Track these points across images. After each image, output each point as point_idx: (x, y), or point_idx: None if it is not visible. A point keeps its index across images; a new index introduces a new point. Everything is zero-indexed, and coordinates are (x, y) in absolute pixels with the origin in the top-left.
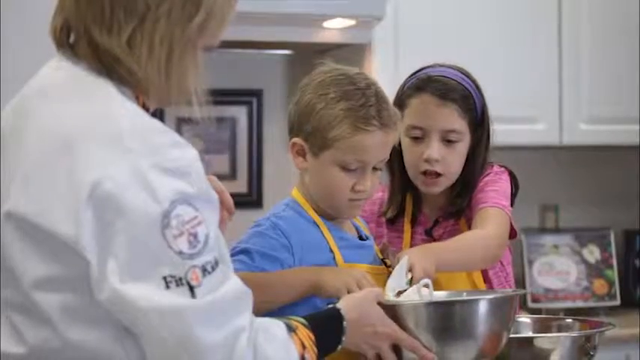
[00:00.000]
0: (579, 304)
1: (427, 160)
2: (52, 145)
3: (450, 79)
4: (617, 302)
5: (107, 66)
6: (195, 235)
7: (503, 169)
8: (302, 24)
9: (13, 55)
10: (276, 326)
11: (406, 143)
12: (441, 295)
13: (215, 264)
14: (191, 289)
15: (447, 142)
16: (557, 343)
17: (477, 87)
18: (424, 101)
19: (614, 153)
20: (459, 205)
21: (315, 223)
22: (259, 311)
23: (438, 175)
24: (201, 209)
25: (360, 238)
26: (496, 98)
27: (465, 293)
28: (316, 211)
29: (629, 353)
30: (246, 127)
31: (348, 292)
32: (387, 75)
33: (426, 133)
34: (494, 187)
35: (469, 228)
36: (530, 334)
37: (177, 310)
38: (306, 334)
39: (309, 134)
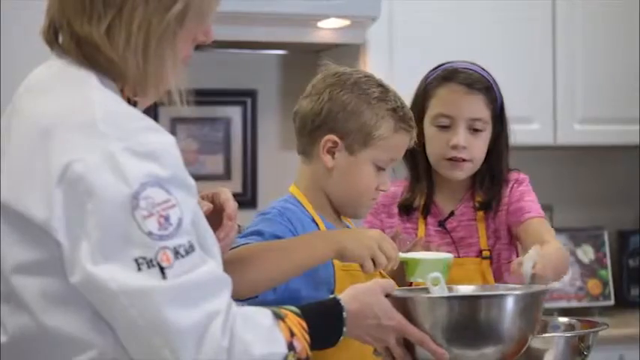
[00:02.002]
0: (573, 304)
1: (454, 147)
2: (32, 134)
3: (474, 71)
4: (611, 302)
5: (89, 56)
6: (166, 218)
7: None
8: (296, 24)
9: (12, 56)
10: (260, 314)
11: (432, 132)
12: (460, 290)
13: (190, 248)
14: (162, 270)
15: (473, 130)
16: (551, 343)
17: (496, 83)
18: (452, 90)
19: (609, 153)
20: (491, 197)
21: (313, 220)
22: (279, 280)
23: (464, 160)
24: (175, 193)
25: None
26: None
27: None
28: (315, 210)
29: (623, 353)
30: (240, 127)
31: (372, 260)
32: (381, 75)
33: (453, 121)
34: (532, 198)
35: (486, 221)
36: None
37: (145, 291)
38: (296, 322)
39: (349, 132)
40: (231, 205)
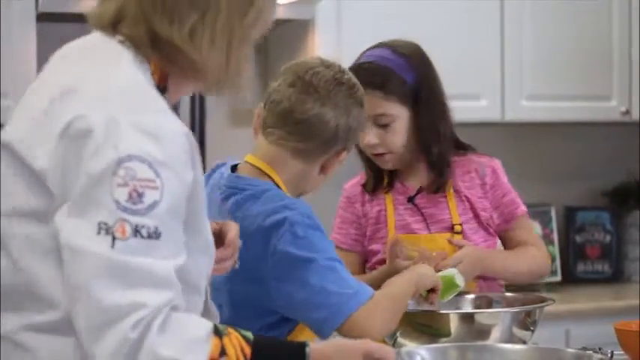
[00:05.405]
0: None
1: (367, 146)
2: (56, 90)
3: (372, 62)
4: (558, 278)
5: (165, 54)
6: (140, 194)
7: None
8: None
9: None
10: (196, 324)
11: None
12: None
13: (154, 234)
14: (114, 239)
15: (381, 125)
16: (497, 319)
17: (409, 61)
18: None
19: (555, 129)
20: (440, 182)
21: None
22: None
23: (383, 153)
24: (164, 178)
25: None
26: (439, 75)
27: None
28: None
29: (568, 328)
30: (188, 103)
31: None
32: (329, 51)
33: None
34: (512, 189)
35: (457, 198)
36: (471, 309)
37: (83, 253)
38: (237, 344)
39: (352, 145)
40: (231, 235)
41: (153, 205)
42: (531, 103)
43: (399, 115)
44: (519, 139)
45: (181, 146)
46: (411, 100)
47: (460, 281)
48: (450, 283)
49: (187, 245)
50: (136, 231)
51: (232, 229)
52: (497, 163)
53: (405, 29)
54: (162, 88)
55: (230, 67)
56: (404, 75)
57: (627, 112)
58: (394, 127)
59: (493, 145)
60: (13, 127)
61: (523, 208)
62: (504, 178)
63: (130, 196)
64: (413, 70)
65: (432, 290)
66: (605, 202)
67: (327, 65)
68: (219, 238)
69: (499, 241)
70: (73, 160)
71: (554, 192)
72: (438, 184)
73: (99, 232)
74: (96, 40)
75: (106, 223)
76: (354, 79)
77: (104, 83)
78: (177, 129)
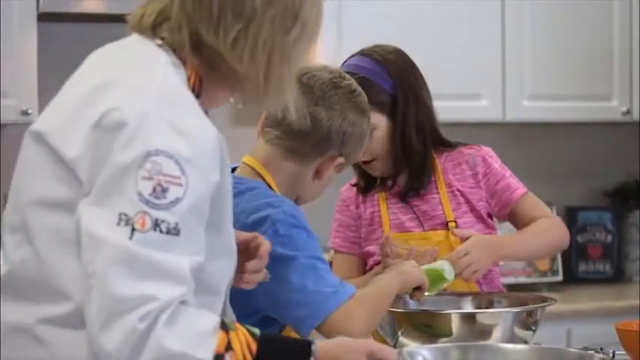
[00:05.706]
0: (522, 279)
1: None
2: (92, 84)
3: (348, 72)
4: (560, 278)
5: (207, 59)
6: (164, 189)
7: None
8: None
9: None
10: (204, 318)
11: None
12: None
13: (174, 230)
14: (133, 231)
15: None
16: (499, 318)
17: (387, 68)
18: None
19: (556, 129)
20: (417, 186)
21: None
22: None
23: (369, 161)
24: (190, 176)
25: None
26: (440, 75)
27: None
28: None
29: (570, 328)
30: None
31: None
32: (330, 52)
33: None
34: (509, 171)
35: (450, 193)
36: (472, 309)
37: (103, 242)
38: (243, 340)
39: (351, 152)
40: (264, 247)
41: (175, 202)
42: (532, 103)
43: (379, 123)
44: (520, 139)
45: (210, 147)
46: (389, 107)
47: (449, 275)
48: (438, 276)
49: (210, 247)
50: (156, 225)
51: (265, 243)
52: (487, 151)
53: (405, 29)
54: (195, 94)
55: (270, 81)
56: (382, 83)
57: (628, 112)
58: (375, 135)
59: (494, 145)
60: (46, 118)
61: (520, 190)
62: (496, 164)
63: (154, 190)
64: (391, 77)
65: (418, 288)
66: (606, 202)
67: (327, 70)
68: (248, 250)
69: (499, 233)
70: (103, 151)
71: (556, 192)
72: (420, 184)
73: (119, 223)
74: (134, 41)
75: (126, 214)
76: (356, 86)
77: (140, 80)
78: (208, 130)
